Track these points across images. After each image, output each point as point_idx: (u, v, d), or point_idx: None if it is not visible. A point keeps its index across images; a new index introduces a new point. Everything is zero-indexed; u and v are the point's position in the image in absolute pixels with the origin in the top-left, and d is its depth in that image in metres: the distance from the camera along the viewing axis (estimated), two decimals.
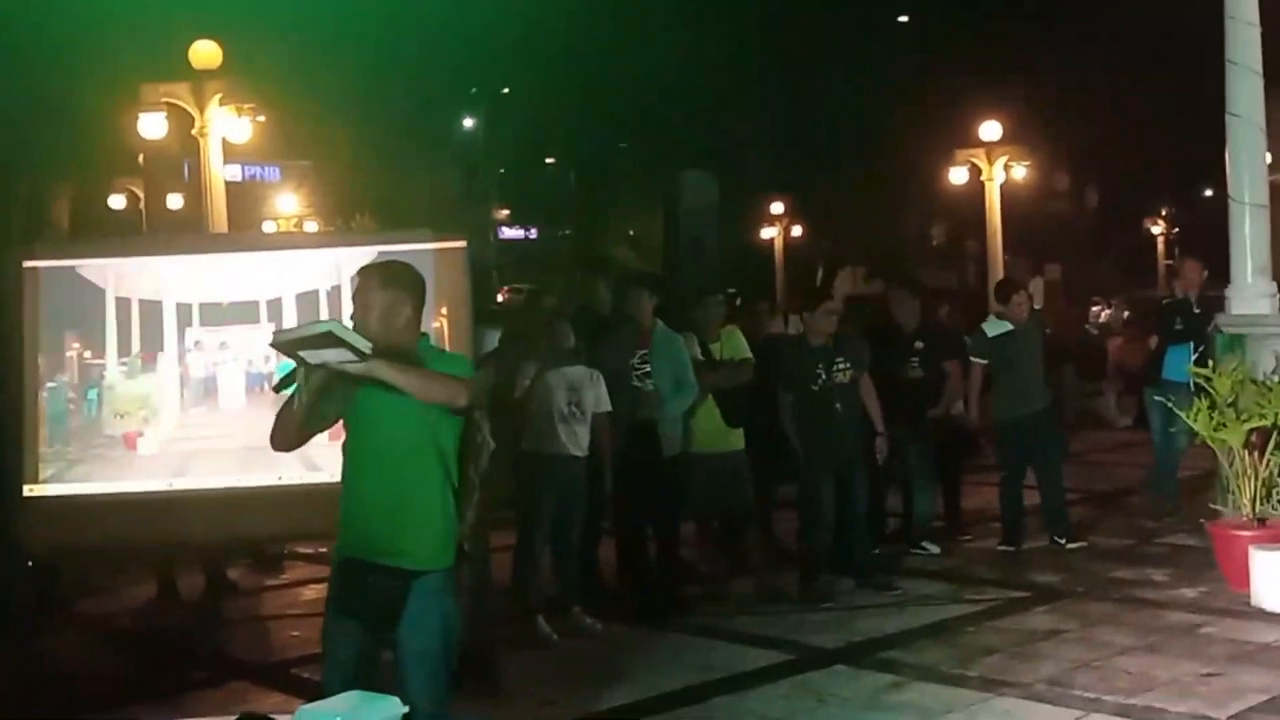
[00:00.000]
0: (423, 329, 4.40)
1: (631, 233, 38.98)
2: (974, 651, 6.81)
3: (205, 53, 11.87)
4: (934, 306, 10.38)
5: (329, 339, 3.83)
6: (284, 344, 3.93)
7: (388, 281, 4.21)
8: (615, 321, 8.18)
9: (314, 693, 6.42)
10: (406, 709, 3.12)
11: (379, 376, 3.95)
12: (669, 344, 8.05)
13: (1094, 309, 26.01)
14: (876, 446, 8.38)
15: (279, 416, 4.21)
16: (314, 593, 9.22)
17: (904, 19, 31.87)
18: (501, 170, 42.59)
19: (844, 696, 6.16)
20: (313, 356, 3.88)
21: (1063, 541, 9.19)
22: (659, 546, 8.14)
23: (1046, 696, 6.04)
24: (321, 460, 7.00)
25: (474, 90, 36.58)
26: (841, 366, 8.11)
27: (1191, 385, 8.68)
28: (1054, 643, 6.92)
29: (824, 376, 8.08)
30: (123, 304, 7.05)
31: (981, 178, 18.92)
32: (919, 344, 9.30)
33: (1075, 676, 6.29)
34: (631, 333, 8.07)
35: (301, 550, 10.14)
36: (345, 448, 4.30)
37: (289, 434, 4.21)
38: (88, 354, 7.04)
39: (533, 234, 43.46)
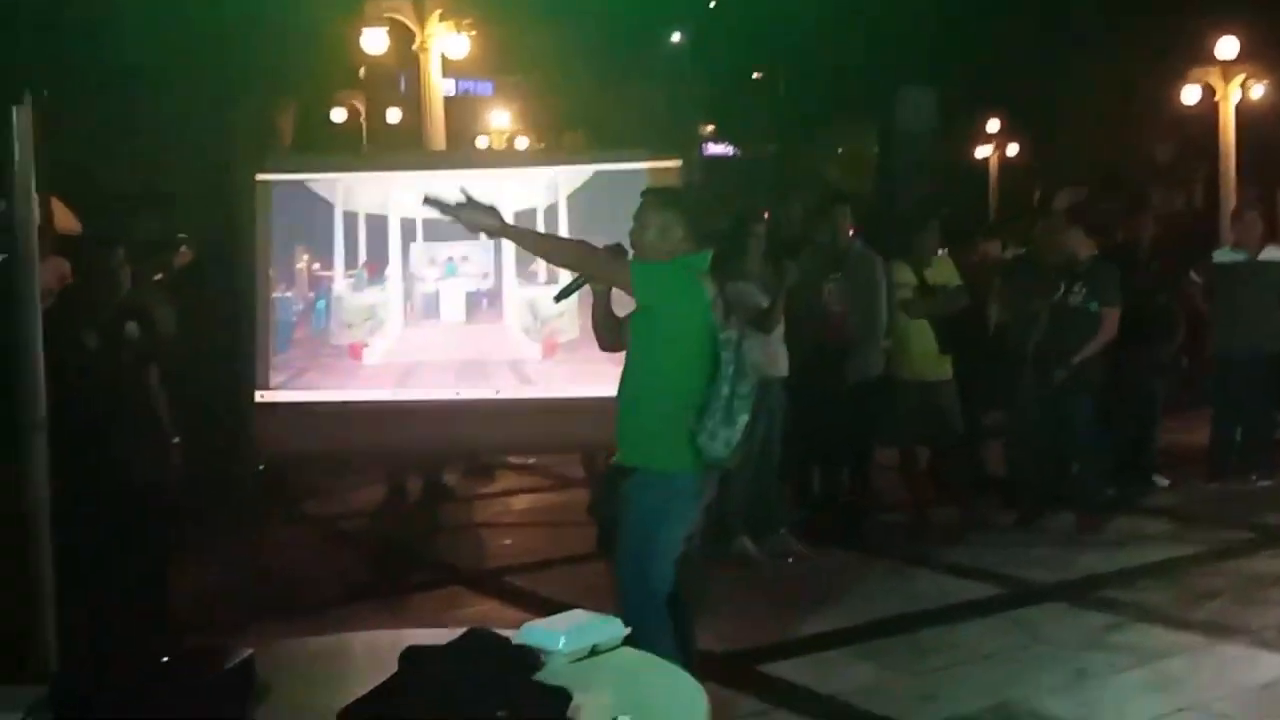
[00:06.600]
0: None
1: (840, 150, 38.26)
2: (1197, 594, 6.55)
3: None
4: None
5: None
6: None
7: (666, 204, 4.68)
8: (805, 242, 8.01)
9: (524, 600, 6.66)
10: (629, 630, 3.12)
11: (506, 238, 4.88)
12: (864, 265, 7.87)
13: None
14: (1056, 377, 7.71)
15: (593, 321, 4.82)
16: (524, 502, 9.47)
17: None
18: (708, 85, 42.18)
19: (1060, 635, 5.99)
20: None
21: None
22: (852, 472, 8.06)
23: (1276, 644, 5.76)
24: (535, 375, 7.16)
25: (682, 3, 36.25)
26: (1079, 290, 7.74)
27: None
28: None
29: (1061, 294, 7.76)
30: (350, 218, 7.25)
31: (1216, 98, 17.88)
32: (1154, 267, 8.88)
33: None
34: (825, 254, 7.92)
35: (513, 461, 10.40)
36: None
37: (599, 335, 4.84)
38: (316, 266, 7.28)
39: (738, 151, 42.98)
